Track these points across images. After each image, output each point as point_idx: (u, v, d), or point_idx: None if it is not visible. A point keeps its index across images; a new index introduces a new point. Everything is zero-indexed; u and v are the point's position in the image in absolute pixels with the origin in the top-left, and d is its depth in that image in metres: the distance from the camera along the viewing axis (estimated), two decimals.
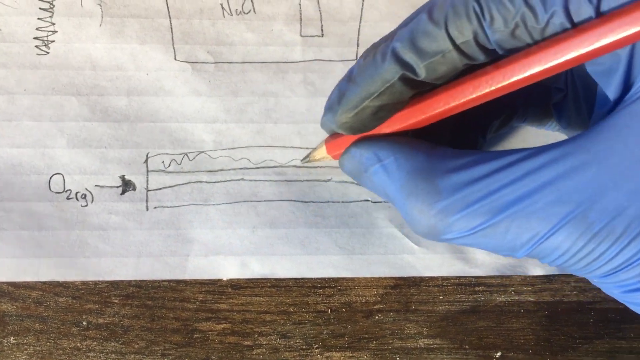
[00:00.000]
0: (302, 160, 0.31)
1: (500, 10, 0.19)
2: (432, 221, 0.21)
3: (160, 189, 0.31)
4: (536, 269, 0.32)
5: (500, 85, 0.20)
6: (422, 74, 0.21)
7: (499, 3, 0.19)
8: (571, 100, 0.27)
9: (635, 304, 0.21)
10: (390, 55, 0.21)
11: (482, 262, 0.32)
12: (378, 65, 0.21)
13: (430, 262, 0.32)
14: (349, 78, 0.22)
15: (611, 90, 0.20)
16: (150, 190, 0.31)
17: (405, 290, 0.32)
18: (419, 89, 0.22)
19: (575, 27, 0.18)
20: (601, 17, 0.18)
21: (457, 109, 0.21)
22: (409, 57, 0.20)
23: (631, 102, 0.19)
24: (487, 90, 0.20)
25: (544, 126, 0.29)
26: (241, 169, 0.32)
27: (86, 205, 0.31)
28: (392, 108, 0.22)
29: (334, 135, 0.26)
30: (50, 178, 0.31)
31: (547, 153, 0.20)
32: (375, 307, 0.32)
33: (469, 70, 0.21)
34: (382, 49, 0.21)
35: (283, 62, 0.32)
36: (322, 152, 0.28)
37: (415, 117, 0.22)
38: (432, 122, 0.23)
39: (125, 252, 0.31)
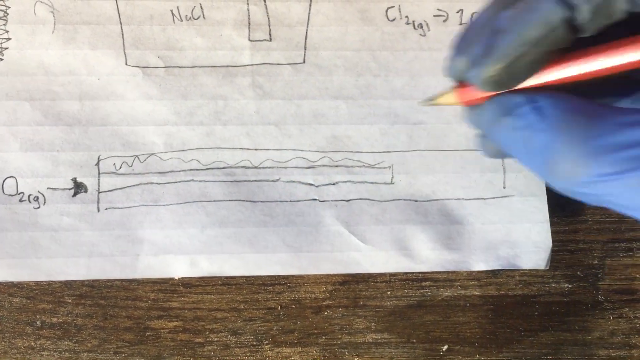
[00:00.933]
0: (422, 101, 0.28)
1: None
2: (583, 157, 0.20)
3: (111, 190, 0.32)
4: (479, 264, 0.33)
5: None
6: (587, 16, 0.20)
7: None
8: None
9: None
10: None
11: (427, 259, 0.32)
12: (536, 9, 0.20)
13: (376, 259, 0.32)
14: (495, 30, 0.21)
15: None
16: (101, 192, 0.32)
17: (353, 287, 0.33)
18: (579, 36, 0.21)
19: None
20: None
21: (622, 68, 0.21)
22: None
23: None
24: None
25: None
26: (191, 170, 0.32)
27: (38, 207, 0.32)
28: (546, 58, 0.21)
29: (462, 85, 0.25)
30: (4, 181, 0.32)
31: None
32: (324, 303, 0.33)
33: (621, 33, 0.21)
34: None
35: (232, 66, 0.33)
36: (449, 98, 0.25)
37: (576, 66, 0.21)
38: (585, 79, 0.22)
39: (76, 252, 0.31)
